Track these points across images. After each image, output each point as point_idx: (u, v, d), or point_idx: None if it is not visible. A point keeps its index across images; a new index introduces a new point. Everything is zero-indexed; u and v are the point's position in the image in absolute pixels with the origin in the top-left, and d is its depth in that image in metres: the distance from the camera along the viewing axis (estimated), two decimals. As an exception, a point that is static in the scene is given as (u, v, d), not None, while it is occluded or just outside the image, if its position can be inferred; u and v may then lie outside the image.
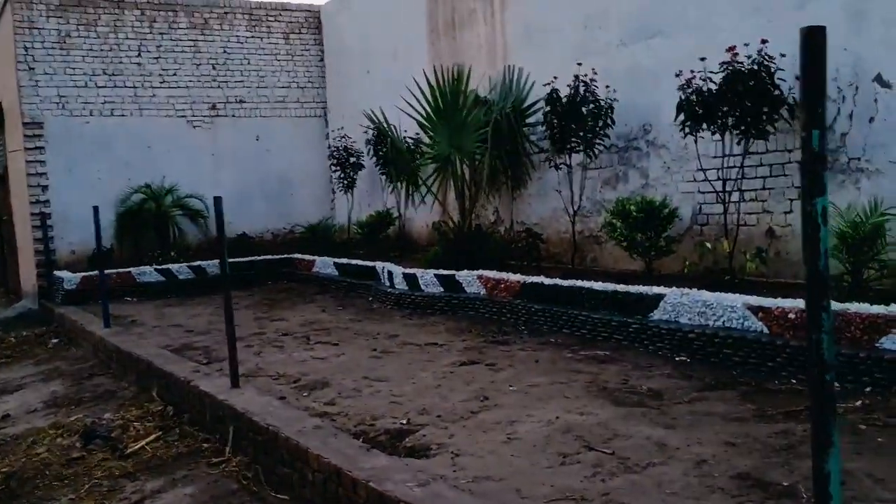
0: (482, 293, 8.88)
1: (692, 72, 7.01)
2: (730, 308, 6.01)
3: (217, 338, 8.51)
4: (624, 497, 3.48)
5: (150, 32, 14.67)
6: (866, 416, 4.40)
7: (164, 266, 13.46)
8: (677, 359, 6.15)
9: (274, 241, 15.74)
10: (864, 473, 3.52)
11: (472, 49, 11.35)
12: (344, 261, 12.57)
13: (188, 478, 5.01)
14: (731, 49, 6.63)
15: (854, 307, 5.18)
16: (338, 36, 15.56)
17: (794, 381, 5.29)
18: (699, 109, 6.89)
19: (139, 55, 14.57)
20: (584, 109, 8.38)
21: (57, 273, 13.25)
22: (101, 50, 14.24)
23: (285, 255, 14.65)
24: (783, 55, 6.61)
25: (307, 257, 13.93)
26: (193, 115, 15.10)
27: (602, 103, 8.38)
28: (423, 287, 9.66)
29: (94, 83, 14.19)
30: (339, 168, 14.00)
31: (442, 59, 11.74)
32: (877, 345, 5.02)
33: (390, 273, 10.41)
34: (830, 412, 2.03)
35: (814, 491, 2.04)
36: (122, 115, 14.41)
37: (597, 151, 8.59)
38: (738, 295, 6.06)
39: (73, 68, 14.04)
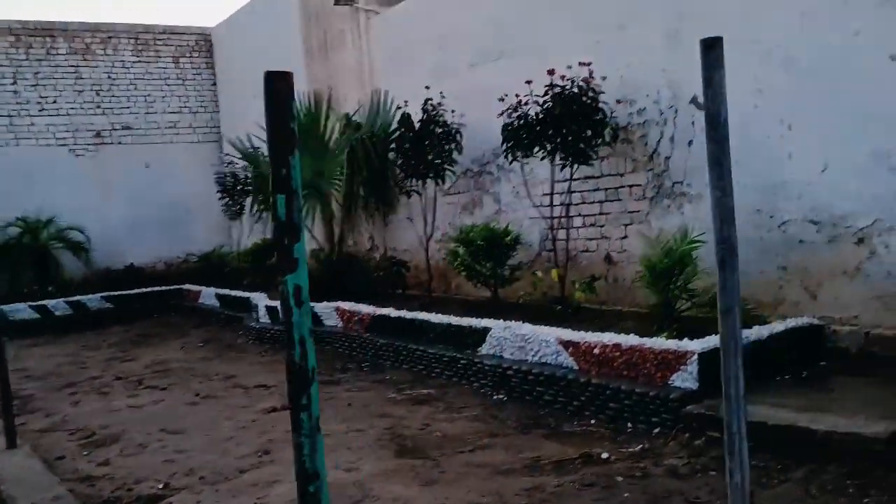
0: (339, 326, 8.53)
1: (517, 95, 6.77)
2: (544, 342, 5.74)
3: (53, 383, 8.04)
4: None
5: (27, 59, 14.10)
6: (634, 464, 4.13)
7: (39, 303, 12.82)
8: (495, 397, 5.86)
9: (168, 271, 15.20)
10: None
11: (344, 71, 11.06)
12: (224, 292, 12.12)
13: (-74, 556, 4.54)
14: (551, 72, 6.40)
15: (649, 342, 4.95)
16: (227, 58, 15.17)
17: (593, 421, 5.03)
18: (524, 135, 6.64)
19: (15, 83, 13.99)
20: (435, 133, 8.10)
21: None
22: (-27, 78, 13.65)
23: (175, 287, 14.11)
24: (604, 78, 6.42)
25: (194, 288, 13.44)
26: (76, 143, 14.54)
27: (452, 127, 8.11)
28: (283, 320, 9.25)
29: (-35, 112, 13.59)
30: (226, 195, 13.52)
31: (318, 82, 11.40)
32: (668, 382, 4.78)
33: (256, 305, 10.00)
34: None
35: None
36: (-2, 145, 13.81)
37: (446, 177, 8.30)
38: (552, 328, 5.79)
39: (-57, 98, 13.43)
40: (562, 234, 7.02)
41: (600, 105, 6.42)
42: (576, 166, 6.61)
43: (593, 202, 7.15)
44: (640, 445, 4.45)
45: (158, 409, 6.51)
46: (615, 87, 6.66)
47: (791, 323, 5.16)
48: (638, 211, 6.72)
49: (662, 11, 6.33)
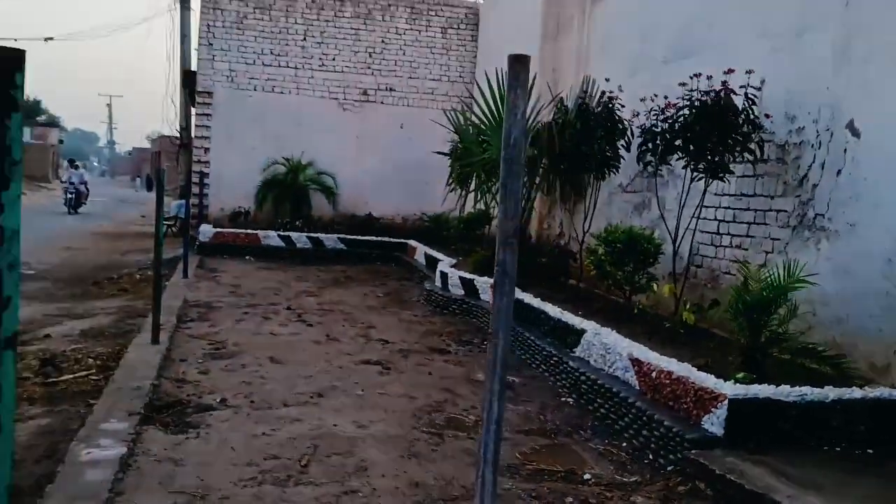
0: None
1: (665, 98, 6.42)
2: (619, 356, 5.53)
3: (241, 302, 9.28)
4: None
5: (317, 19, 15.93)
6: (603, 492, 3.94)
7: (286, 233, 14.68)
8: (563, 399, 5.79)
9: (403, 226, 16.39)
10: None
11: (566, 56, 11.07)
12: (431, 252, 12.91)
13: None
14: (696, 75, 5.99)
15: (694, 375, 4.59)
16: (488, 34, 15.78)
17: (624, 444, 4.81)
18: (658, 141, 6.30)
19: (304, 39, 15.89)
20: (606, 126, 7.94)
21: (203, 226, 14.93)
22: (272, 32, 15.75)
23: (401, 241, 15.26)
24: (760, 88, 5.87)
25: (414, 244, 14.46)
26: (345, 99, 16.17)
27: (625, 124, 7.88)
28: (450, 287, 9.73)
29: (261, 61, 15.75)
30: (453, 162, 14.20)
31: (545, 63, 11.58)
32: (700, 422, 4.42)
33: (437, 270, 10.58)
34: None
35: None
36: (281, 93, 15.84)
37: (607, 173, 8.10)
38: (629, 343, 5.55)
39: (245, 47, 15.67)
40: (675, 248, 6.57)
41: (752, 117, 5.88)
42: (710, 181, 6.15)
43: (742, 222, 6.59)
44: (636, 478, 4.22)
45: (289, 340, 7.32)
46: (781, 101, 6.05)
47: (872, 393, 4.44)
48: (779, 239, 6.08)
49: (840, 19, 5.59)
